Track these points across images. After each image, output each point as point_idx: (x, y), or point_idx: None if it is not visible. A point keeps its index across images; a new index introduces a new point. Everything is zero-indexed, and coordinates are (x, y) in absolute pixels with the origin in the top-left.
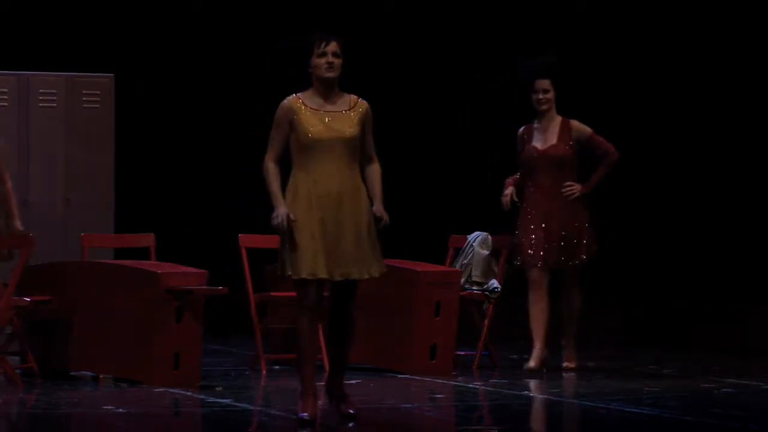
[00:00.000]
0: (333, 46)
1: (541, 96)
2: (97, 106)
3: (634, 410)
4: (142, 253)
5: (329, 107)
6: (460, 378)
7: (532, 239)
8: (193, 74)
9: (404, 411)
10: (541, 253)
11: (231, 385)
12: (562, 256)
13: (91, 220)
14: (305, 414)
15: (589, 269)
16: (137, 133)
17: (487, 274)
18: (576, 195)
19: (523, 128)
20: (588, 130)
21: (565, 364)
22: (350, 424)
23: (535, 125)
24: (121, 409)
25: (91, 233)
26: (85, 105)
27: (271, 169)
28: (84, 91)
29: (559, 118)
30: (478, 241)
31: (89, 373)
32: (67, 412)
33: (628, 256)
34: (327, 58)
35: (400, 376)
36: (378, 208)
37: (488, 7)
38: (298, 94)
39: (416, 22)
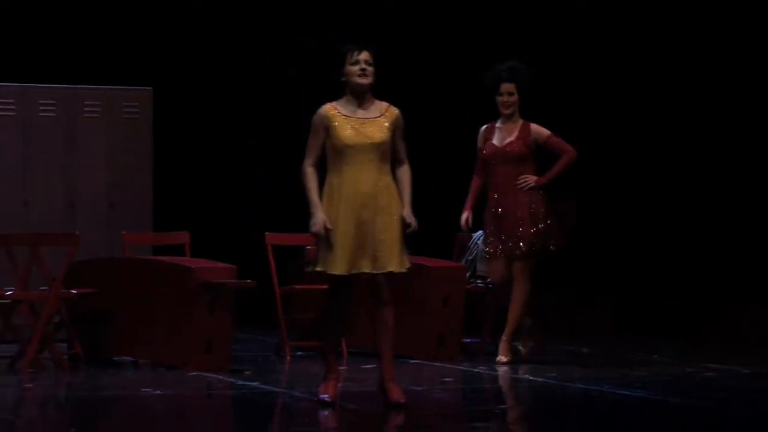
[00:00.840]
0: (365, 55)
1: (505, 98)
2: (137, 116)
3: (625, 392)
4: (177, 250)
5: (362, 114)
6: (466, 363)
7: (492, 234)
8: (221, 88)
9: (416, 393)
10: (499, 246)
11: (258, 370)
12: (513, 247)
13: (131, 220)
14: (326, 395)
15: (584, 263)
16: (173, 141)
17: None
18: (530, 185)
19: (486, 126)
20: (546, 132)
21: (499, 358)
22: (400, 412)
23: (498, 125)
24: (158, 391)
25: (131, 232)
26: (125, 116)
27: (310, 174)
28: (125, 103)
29: (520, 121)
30: (482, 239)
31: (129, 359)
32: (109, 394)
33: (621, 254)
34: (360, 66)
35: (412, 361)
36: (407, 213)
37: (488, 7)
38: (333, 103)
39: (416, 22)
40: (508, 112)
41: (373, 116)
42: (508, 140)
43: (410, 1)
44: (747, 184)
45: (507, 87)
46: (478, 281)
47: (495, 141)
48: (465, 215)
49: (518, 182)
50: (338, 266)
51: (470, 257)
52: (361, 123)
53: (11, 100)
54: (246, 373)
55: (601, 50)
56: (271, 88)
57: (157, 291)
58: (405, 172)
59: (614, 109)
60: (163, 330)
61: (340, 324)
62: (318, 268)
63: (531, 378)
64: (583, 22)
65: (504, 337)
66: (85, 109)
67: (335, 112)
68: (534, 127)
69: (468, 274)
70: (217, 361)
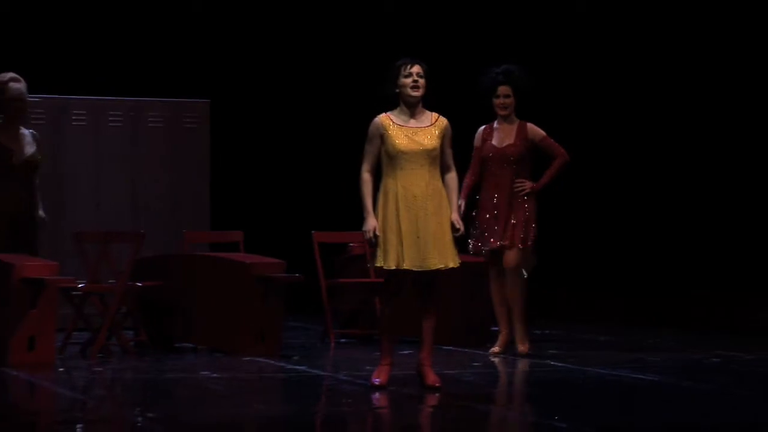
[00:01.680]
0: (417, 68)
1: (502, 100)
2: (195, 125)
3: (639, 376)
4: (232, 247)
5: (413, 123)
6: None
7: (486, 230)
8: (271, 99)
9: (447, 376)
10: (492, 240)
11: (306, 355)
12: (507, 244)
13: (190, 219)
14: (378, 380)
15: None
16: (228, 148)
17: None
18: (526, 191)
19: (483, 127)
20: (541, 132)
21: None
22: (435, 394)
23: (495, 126)
24: (215, 375)
25: (191, 231)
26: (185, 125)
27: (366, 181)
28: (185, 114)
29: (517, 121)
30: None
31: (189, 345)
32: (171, 377)
33: (631, 246)
34: (412, 78)
35: (444, 347)
36: (455, 217)
37: (488, 7)
38: (387, 113)
39: (416, 22)
40: (504, 113)
41: (424, 125)
42: (507, 143)
43: (410, 2)
44: (753, 175)
45: (504, 89)
46: None
47: (494, 142)
48: (461, 202)
49: (515, 186)
50: (394, 262)
51: None
52: (414, 131)
53: (84, 112)
54: (294, 358)
55: (600, 49)
56: (317, 96)
57: (214, 284)
58: (453, 178)
59: (618, 103)
60: (220, 319)
61: (395, 315)
62: (377, 264)
63: (553, 363)
64: (581, 24)
65: (517, 325)
66: (149, 119)
67: (389, 121)
68: (530, 126)
69: None
70: (269, 348)
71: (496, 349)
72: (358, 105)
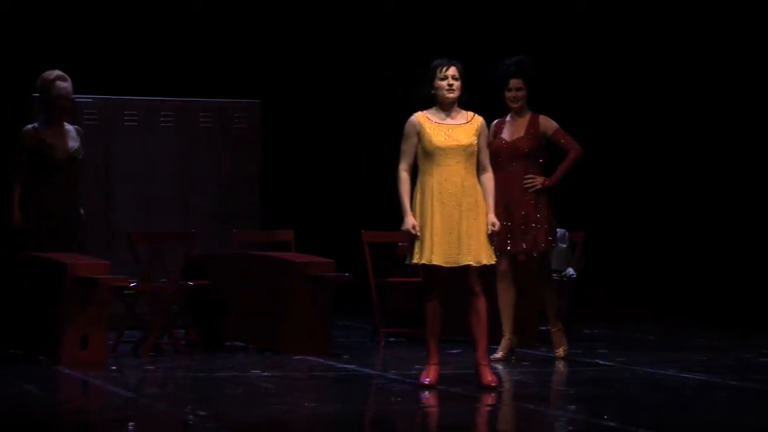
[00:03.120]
0: (452, 70)
1: (514, 93)
2: (246, 125)
3: (687, 375)
4: (283, 246)
5: (450, 121)
6: (542, 349)
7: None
8: (320, 100)
9: (497, 372)
10: (508, 242)
11: (355, 354)
12: (523, 244)
13: (241, 218)
14: (427, 379)
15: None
16: (279, 149)
17: (565, 263)
18: (537, 187)
19: (496, 121)
20: (554, 125)
21: (556, 352)
22: (491, 393)
23: (507, 119)
24: (266, 373)
25: (242, 230)
26: (236, 125)
27: (404, 179)
28: (236, 114)
29: (529, 114)
30: (557, 236)
31: (240, 344)
32: (222, 375)
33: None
34: (448, 81)
35: (493, 347)
36: (490, 217)
37: (490, 7)
38: (423, 111)
39: (416, 23)
40: (516, 106)
41: (460, 123)
42: (517, 136)
43: (411, 2)
44: None
45: (515, 82)
46: (554, 275)
47: (504, 136)
48: None
49: (525, 182)
50: (431, 258)
51: None
52: (450, 128)
53: (135, 113)
54: (344, 357)
55: (604, 47)
56: (368, 95)
57: (264, 283)
58: (489, 178)
59: (630, 101)
60: (270, 317)
61: (438, 311)
62: (414, 261)
63: (601, 362)
64: (583, 23)
65: (552, 328)
66: (201, 119)
67: (425, 119)
68: (542, 119)
69: None
70: (318, 346)
71: (498, 355)
72: (406, 105)
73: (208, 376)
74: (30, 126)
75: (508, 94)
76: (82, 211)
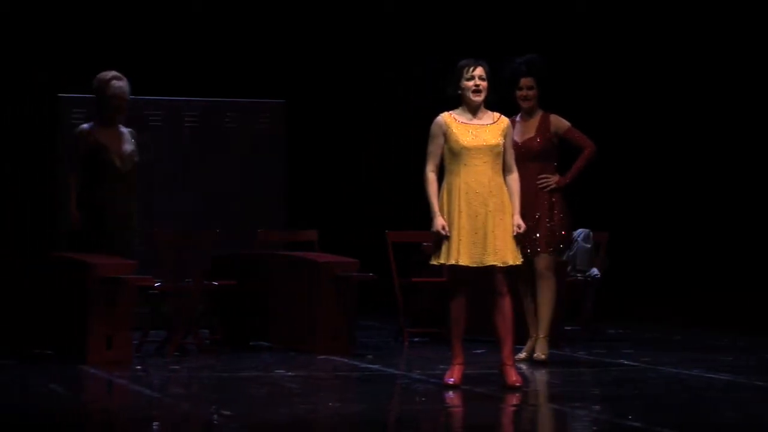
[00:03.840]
0: (479, 71)
1: (525, 92)
2: (271, 125)
3: (713, 375)
4: (307, 246)
5: (476, 122)
6: (566, 348)
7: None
8: (346, 100)
9: (521, 372)
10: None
11: (379, 354)
12: (538, 247)
13: (266, 218)
14: (451, 379)
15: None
16: (304, 148)
17: (589, 263)
18: (551, 187)
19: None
20: (566, 123)
21: (536, 355)
22: (515, 393)
23: (518, 119)
24: (290, 373)
25: (266, 230)
26: (261, 125)
27: (431, 180)
28: (261, 114)
29: (540, 113)
30: (582, 236)
31: (264, 344)
32: (246, 375)
33: (708, 245)
34: (474, 81)
35: (518, 347)
36: (516, 219)
37: (489, 8)
38: (449, 111)
39: (416, 23)
40: (527, 105)
41: (486, 123)
42: (528, 136)
43: (410, 2)
44: None
45: (526, 81)
46: (578, 275)
47: (515, 136)
48: None
49: (539, 182)
50: (457, 258)
51: (571, 253)
52: (476, 128)
53: (160, 112)
54: (368, 356)
55: (609, 45)
56: (393, 95)
57: (289, 282)
58: (514, 180)
59: (640, 101)
60: (294, 317)
61: (462, 311)
62: (440, 261)
63: (626, 362)
64: (583, 23)
65: (541, 335)
66: (226, 119)
67: (452, 119)
68: (554, 118)
69: (569, 268)
70: (343, 346)
71: (522, 355)
72: (432, 104)
73: (233, 376)
74: (85, 125)
75: (519, 93)
76: (135, 217)
